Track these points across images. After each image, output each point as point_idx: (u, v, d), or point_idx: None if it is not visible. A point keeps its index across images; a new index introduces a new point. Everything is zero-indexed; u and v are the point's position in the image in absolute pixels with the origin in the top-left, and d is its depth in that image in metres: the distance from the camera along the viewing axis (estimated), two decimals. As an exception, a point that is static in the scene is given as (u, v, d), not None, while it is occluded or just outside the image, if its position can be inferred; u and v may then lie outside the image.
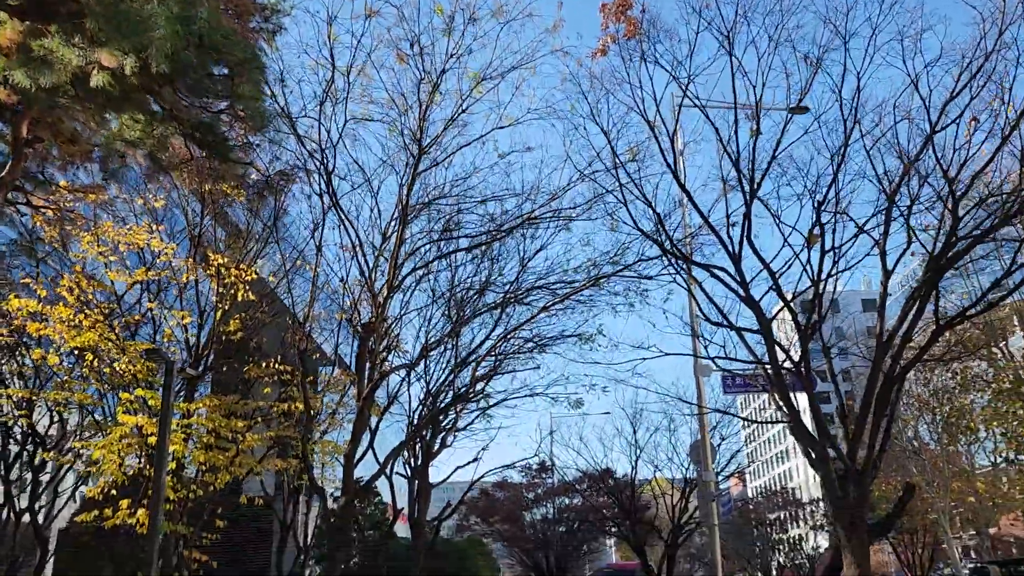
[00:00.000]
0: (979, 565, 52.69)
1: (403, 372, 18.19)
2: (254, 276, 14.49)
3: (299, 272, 15.17)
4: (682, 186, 10.32)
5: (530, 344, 17.18)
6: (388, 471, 18.97)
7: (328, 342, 19.07)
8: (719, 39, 10.07)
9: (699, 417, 17.59)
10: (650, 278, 13.66)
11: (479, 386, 17.53)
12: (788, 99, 9.85)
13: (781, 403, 10.25)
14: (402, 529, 28.03)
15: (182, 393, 15.26)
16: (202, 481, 14.67)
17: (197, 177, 12.84)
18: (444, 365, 19.28)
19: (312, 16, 20.19)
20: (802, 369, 9.66)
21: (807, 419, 11.31)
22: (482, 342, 16.23)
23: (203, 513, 14.94)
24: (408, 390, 20.04)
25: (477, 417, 21.00)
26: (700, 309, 10.30)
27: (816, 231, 9.83)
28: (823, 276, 9.60)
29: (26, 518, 17.10)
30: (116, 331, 14.50)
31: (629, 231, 12.40)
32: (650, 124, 10.46)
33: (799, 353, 10.61)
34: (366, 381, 12.92)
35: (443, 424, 20.19)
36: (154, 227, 15.39)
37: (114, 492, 15.69)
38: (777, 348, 10.19)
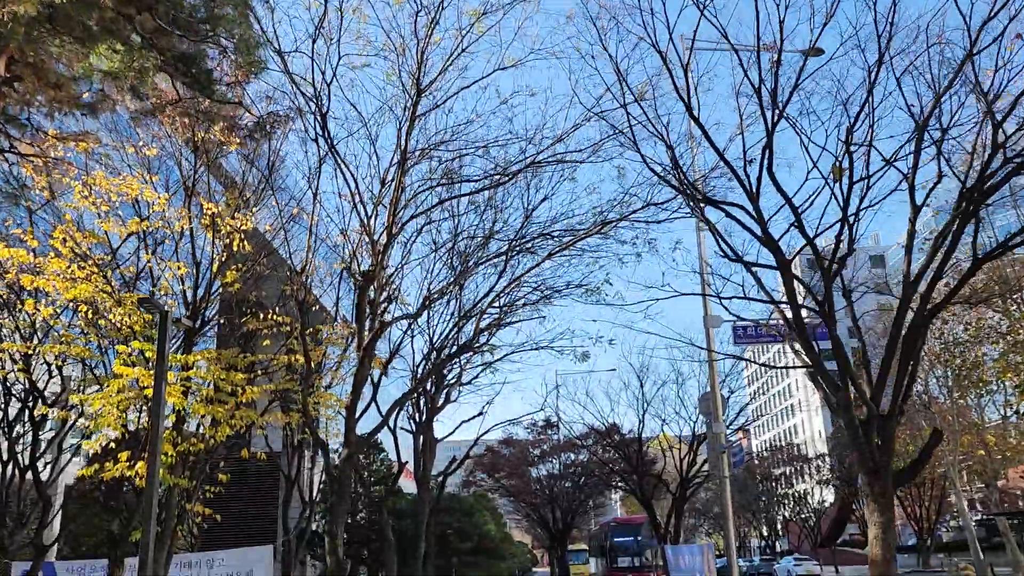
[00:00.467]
0: (987, 517, 52.88)
1: (405, 325, 17.84)
2: (250, 226, 14.00)
3: (297, 221, 14.68)
4: (696, 120, 9.75)
5: (536, 294, 16.74)
6: (392, 425, 18.74)
7: (328, 295, 18.67)
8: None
9: (709, 367, 17.20)
10: (659, 222, 13.14)
11: (483, 337, 17.13)
12: (812, 20, 9.17)
13: (800, 346, 9.79)
14: (409, 486, 27.97)
15: (180, 346, 14.92)
16: (203, 435, 14.40)
17: (186, 119, 12.27)
18: (448, 318, 18.93)
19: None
20: (826, 309, 9.16)
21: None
22: (487, 293, 15.80)
23: (205, 466, 14.70)
24: (412, 344, 19.75)
25: (482, 371, 20.70)
26: (720, 242, 9.79)
27: (841, 164, 9.26)
28: (849, 211, 9.03)
29: (30, 474, 16.96)
30: (112, 283, 14.11)
31: (636, 177, 11.83)
32: (662, 55, 9.85)
33: (802, 300, 10.14)
34: (366, 332, 12.49)
35: (447, 378, 19.89)
36: (147, 177, 14.88)
37: (112, 446, 15.47)
38: (797, 288, 9.67)
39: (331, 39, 12.09)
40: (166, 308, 13.76)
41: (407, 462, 18.66)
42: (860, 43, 9.17)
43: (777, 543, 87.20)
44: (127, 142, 14.95)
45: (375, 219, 13.16)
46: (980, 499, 62.84)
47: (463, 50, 12.63)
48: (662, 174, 10.79)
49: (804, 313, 11.09)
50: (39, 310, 13.55)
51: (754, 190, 9.63)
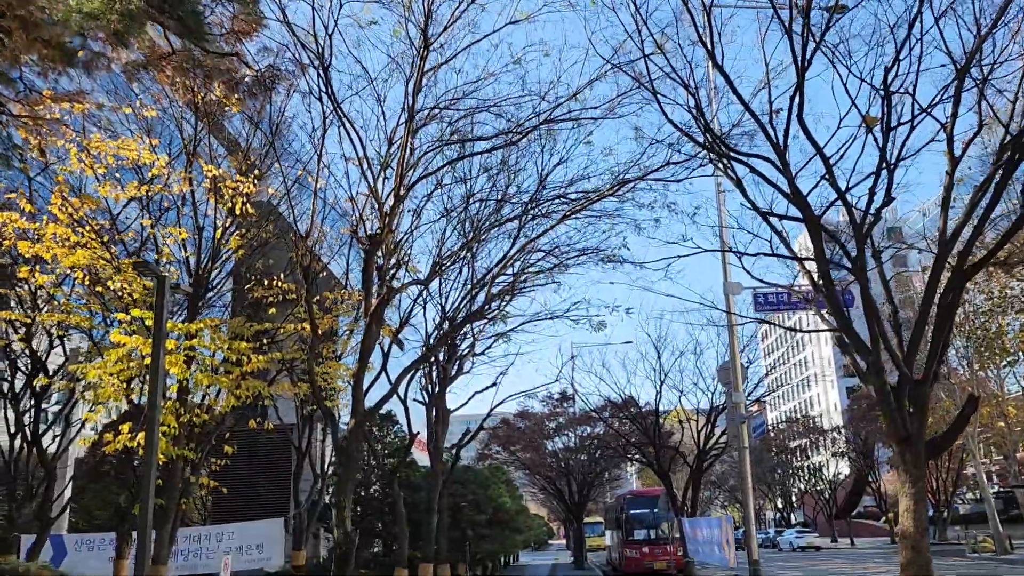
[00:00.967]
0: (1005, 490, 52.27)
1: (416, 291, 17.35)
2: (253, 189, 13.51)
3: (303, 184, 14.17)
4: (720, 68, 9.11)
5: (550, 260, 16.19)
6: (403, 395, 18.33)
7: (337, 263, 18.21)
8: None
9: (729, 335, 16.65)
10: (679, 180, 12.51)
11: (496, 304, 16.62)
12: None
13: (828, 307, 9.21)
14: (424, 459, 27.68)
15: (184, 314, 14.55)
16: (207, 406, 14.05)
17: (180, 74, 11.73)
18: (460, 287, 18.43)
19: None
20: (859, 264, 8.56)
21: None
22: (501, 258, 15.25)
23: (210, 438, 14.37)
24: (424, 314, 19.27)
25: (495, 342, 20.24)
26: (746, 197, 9.19)
27: (875, 113, 8.63)
28: (884, 162, 8.39)
29: (44, 445, 16.76)
30: (111, 250, 13.71)
31: (655, 133, 11.19)
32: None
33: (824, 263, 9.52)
34: (373, 297, 12.01)
35: (459, 348, 19.44)
36: (146, 139, 14.39)
37: (113, 418, 15.23)
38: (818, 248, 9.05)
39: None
40: (167, 275, 13.35)
41: (418, 433, 18.30)
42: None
43: (792, 515, 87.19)
44: (124, 103, 14.45)
45: (382, 181, 12.62)
46: (998, 471, 62.25)
47: (472, 0, 11.99)
48: (683, 128, 10.17)
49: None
50: (34, 276, 13.12)
51: (781, 142, 9.02)
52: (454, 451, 22.16)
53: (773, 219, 9.79)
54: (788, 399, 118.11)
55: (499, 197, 14.72)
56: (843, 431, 69.59)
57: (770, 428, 72.25)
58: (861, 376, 9.79)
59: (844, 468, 74.33)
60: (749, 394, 22.91)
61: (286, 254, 16.57)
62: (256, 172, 13.21)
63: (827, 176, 8.60)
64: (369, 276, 11.80)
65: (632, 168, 13.71)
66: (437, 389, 19.65)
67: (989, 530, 38.48)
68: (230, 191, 13.63)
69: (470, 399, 22.80)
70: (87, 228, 13.58)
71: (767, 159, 9.01)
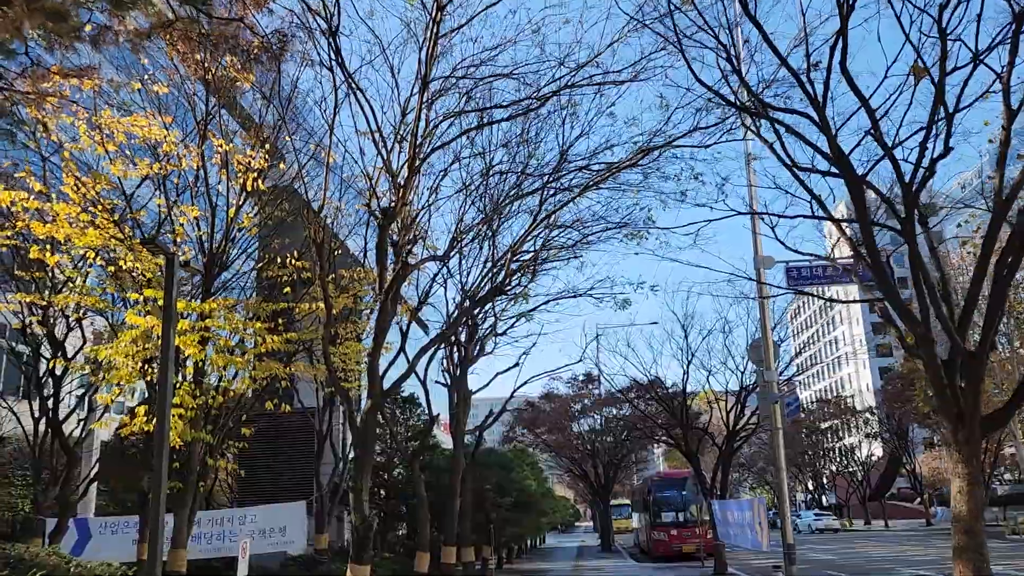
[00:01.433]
0: (1046, 471, 50.93)
1: (434, 270, 16.92)
2: (264, 164, 13.10)
3: (317, 158, 13.73)
4: (753, 19, 8.45)
5: (573, 235, 15.64)
6: (422, 376, 17.96)
7: (354, 241, 17.82)
8: None
9: (760, 310, 16.00)
10: (707, 147, 11.87)
11: (517, 279, 16.11)
12: None
13: (872, 276, 8.57)
14: (448, 442, 27.39)
15: (198, 294, 14.23)
16: (223, 387, 13.75)
17: (185, 43, 11.30)
18: (480, 265, 17.95)
19: None
20: (908, 228, 7.90)
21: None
22: (522, 233, 14.71)
23: (228, 420, 14.09)
24: (445, 294, 18.86)
25: (516, 321, 19.75)
26: (785, 154, 8.52)
27: (919, 67, 7.94)
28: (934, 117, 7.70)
29: (69, 429, 16.65)
30: (124, 230, 13.40)
31: (682, 98, 10.55)
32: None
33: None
34: (389, 273, 11.55)
35: (481, 328, 18.98)
36: (161, 118, 14.03)
37: (136, 401, 15.01)
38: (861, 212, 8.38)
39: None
40: (180, 254, 13.01)
41: (439, 414, 17.95)
42: None
43: (824, 497, 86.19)
44: (134, 78, 14.09)
45: (396, 153, 12.12)
46: (1038, 452, 60.78)
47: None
48: (713, 88, 9.54)
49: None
50: (46, 256, 12.84)
51: (820, 97, 8.36)
52: (477, 433, 21.77)
53: (810, 184, 9.15)
54: (819, 379, 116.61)
55: (519, 170, 14.18)
56: (876, 412, 68.40)
57: (801, 409, 71.15)
58: (908, 349, 9.15)
59: (877, 450, 73.16)
60: (780, 373, 22.21)
61: (303, 235, 16.21)
62: (268, 146, 12.77)
63: (872, 131, 7.94)
64: (383, 251, 11.34)
65: (656, 137, 13.09)
66: (459, 371, 19.23)
67: (1029, 511, 37.45)
68: (242, 167, 13.25)
69: (492, 380, 22.39)
70: (99, 208, 13.29)
71: (805, 115, 8.35)
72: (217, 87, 14.14)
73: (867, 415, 68.98)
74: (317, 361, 15.77)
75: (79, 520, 18.57)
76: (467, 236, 15.25)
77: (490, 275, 16.45)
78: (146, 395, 16.15)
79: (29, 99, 12.83)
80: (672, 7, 8.86)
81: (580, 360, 37.31)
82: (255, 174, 13.04)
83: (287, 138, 12.92)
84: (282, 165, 13.36)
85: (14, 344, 18.25)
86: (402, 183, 11.37)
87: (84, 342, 16.52)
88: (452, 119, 12.26)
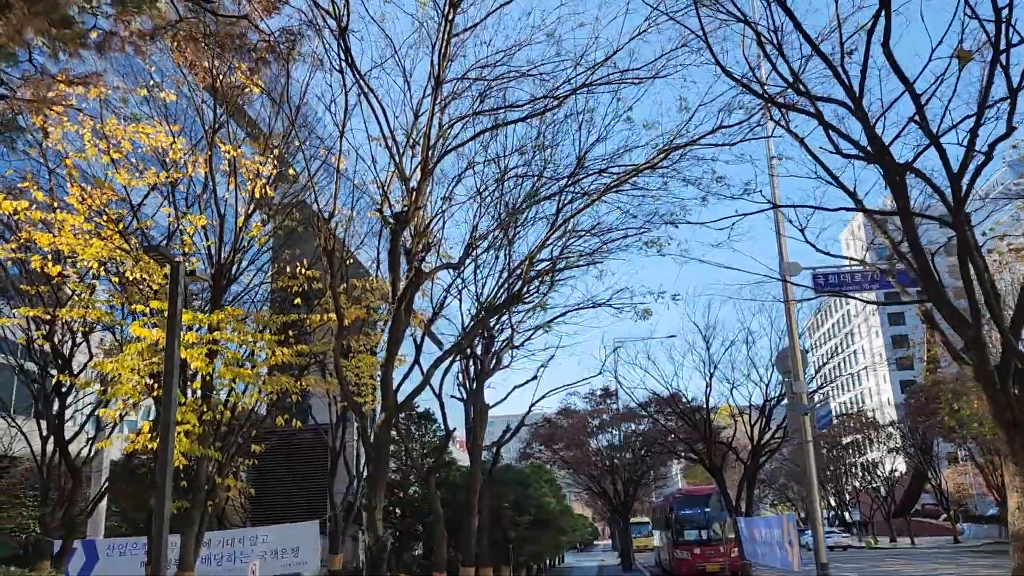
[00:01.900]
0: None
1: (448, 280, 16.45)
2: (273, 171, 12.71)
3: (327, 164, 13.33)
4: (783, 4, 7.96)
5: (592, 242, 15.14)
6: (437, 390, 17.46)
7: (367, 251, 17.41)
8: None
9: (787, 319, 15.39)
10: (732, 144, 11.33)
11: (533, 287, 15.61)
12: None
13: (915, 272, 7.99)
14: (465, 459, 26.82)
15: (202, 307, 13.84)
16: (231, 403, 13.30)
17: (190, 43, 10.93)
18: (496, 275, 17.47)
19: None
20: (961, 219, 7.32)
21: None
22: (541, 239, 14.20)
23: (236, 437, 13.63)
24: (460, 307, 18.36)
25: (534, 333, 19.23)
26: (830, 138, 7.96)
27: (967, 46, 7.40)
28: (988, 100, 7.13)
29: (72, 447, 16.24)
30: (129, 241, 13.03)
31: (706, 93, 10.02)
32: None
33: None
34: (401, 280, 11.08)
35: (497, 340, 18.47)
36: (165, 124, 13.70)
37: (131, 416, 14.56)
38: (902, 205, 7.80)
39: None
40: (180, 260, 12.62)
41: (455, 429, 17.42)
42: None
43: (847, 513, 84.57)
44: (140, 86, 13.79)
45: (408, 158, 11.69)
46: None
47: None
48: (742, 79, 9.03)
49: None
50: (47, 267, 12.47)
51: (857, 86, 7.83)
52: (494, 450, 21.20)
53: (842, 178, 8.60)
54: (839, 394, 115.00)
55: (536, 173, 13.72)
56: (900, 426, 67.05)
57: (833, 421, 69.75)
58: (955, 355, 8.54)
59: (900, 465, 71.69)
60: (810, 382, 21.52)
61: (315, 246, 15.81)
62: (276, 151, 12.39)
63: (916, 117, 7.38)
64: (396, 258, 10.88)
65: (678, 138, 12.59)
66: (475, 385, 18.71)
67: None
68: (250, 174, 12.88)
69: (509, 394, 21.90)
70: (104, 218, 12.94)
71: (843, 103, 7.81)
72: (225, 95, 13.82)
73: (890, 429, 67.62)
74: (330, 375, 15.29)
75: (87, 542, 18.13)
76: (482, 243, 14.79)
77: (506, 285, 15.96)
78: (152, 412, 15.77)
79: (32, 106, 12.53)
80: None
81: (600, 373, 36.73)
82: (263, 180, 12.66)
83: (296, 143, 12.51)
84: (291, 171, 12.95)
85: (23, 362, 17.90)
86: (415, 187, 10.91)
87: (91, 358, 16.13)
88: (465, 121, 11.81)
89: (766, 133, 11.63)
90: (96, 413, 18.33)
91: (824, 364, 34.67)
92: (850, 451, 74.12)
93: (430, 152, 11.07)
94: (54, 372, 16.29)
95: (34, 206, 12.12)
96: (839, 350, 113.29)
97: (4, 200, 11.80)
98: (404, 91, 11.78)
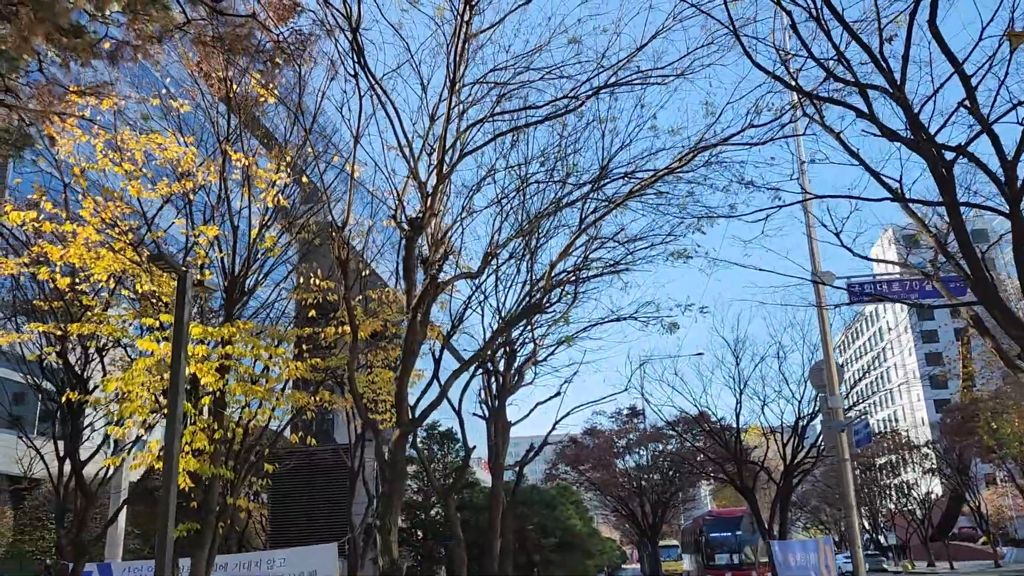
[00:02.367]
0: None
1: (467, 293, 15.98)
2: (286, 179, 12.36)
3: (341, 169, 12.97)
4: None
5: (617, 252, 14.62)
6: (457, 405, 16.93)
7: (386, 265, 17.00)
8: None
9: (822, 331, 14.71)
10: (763, 143, 10.76)
11: (556, 295, 15.09)
12: None
13: (965, 277, 7.36)
14: (489, 480, 26.23)
15: (218, 322, 13.47)
16: (246, 420, 12.87)
17: (199, 47, 10.65)
18: (518, 287, 16.98)
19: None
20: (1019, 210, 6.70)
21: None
22: (564, 246, 13.71)
23: (249, 455, 13.18)
24: (482, 322, 17.89)
25: (557, 348, 18.67)
26: (874, 119, 7.37)
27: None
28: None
29: (90, 468, 15.91)
30: (142, 254, 12.73)
31: (733, 91, 9.50)
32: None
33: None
34: (417, 288, 10.63)
35: (519, 355, 17.93)
36: (178, 135, 13.44)
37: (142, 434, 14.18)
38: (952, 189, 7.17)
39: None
40: (198, 276, 12.29)
41: (475, 447, 16.87)
42: None
43: (882, 537, 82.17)
44: (152, 95, 13.56)
45: (424, 162, 11.28)
46: None
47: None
48: (774, 73, 8.51)
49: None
50: (57, 280, 12.17)
51: (898, 72, 7.27)
52: (517, 469, 20.58)
53: (882, 175, 8.00)
54: (874, 411, 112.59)
55: (559, 178, 13.26)
56: (935, 446, 65.13)
57: (873, 438, 67.79)
58: (1008, 363, 7.88)
59: (936, 487, 69.63)
60: (846, 396, 20.69)
61: (332, 257, 15.45)
62: (289, 158, 12.05)
63: (966, 102, 6.79)
64: (411, 265, 10.44)
65: (704, 141, 12.06)
66: (496, 402, 18.16)
67: None
68: (264, 183, 12.55)
69: (532, 410, 21.33)
70: (116, 231, 12.66)
71: (885, 89, 7.25)
72: (239, 105, 13.54)
73: (926, 449, 65.70)
74: (347, 391, 14.85)
75: (103, 565, 17.80)
76: (502, 251, 14.32)
77: (528, 297, 15.46)
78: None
79: (39, 116, 12.31)
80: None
81: (626, 389, 35.97)
82: (276, 190, 12.32)
83: (310, 151, 12.16)
84: (305, 179, 12.60)
85: (39, 381, 17.66)
86: (430, 192, 10.48)
87: (104, 375, 15.82)
88: (483, 123, 11.38)
89: (797, 131, 11.06)
90: (106, 432, 18.04)
91: (859, 380, 33.52)
92: (884, 472, 72.12)
93: (446, 154, 10.64)
94: (68, 390, 16.01)
95: (42, 216, 11.85)
96: (872, 367, 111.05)
97: (12, 212, 11.54)
98: (421, 97, 11.35)
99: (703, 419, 27.11)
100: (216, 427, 12.25)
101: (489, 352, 16.65)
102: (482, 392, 19.21)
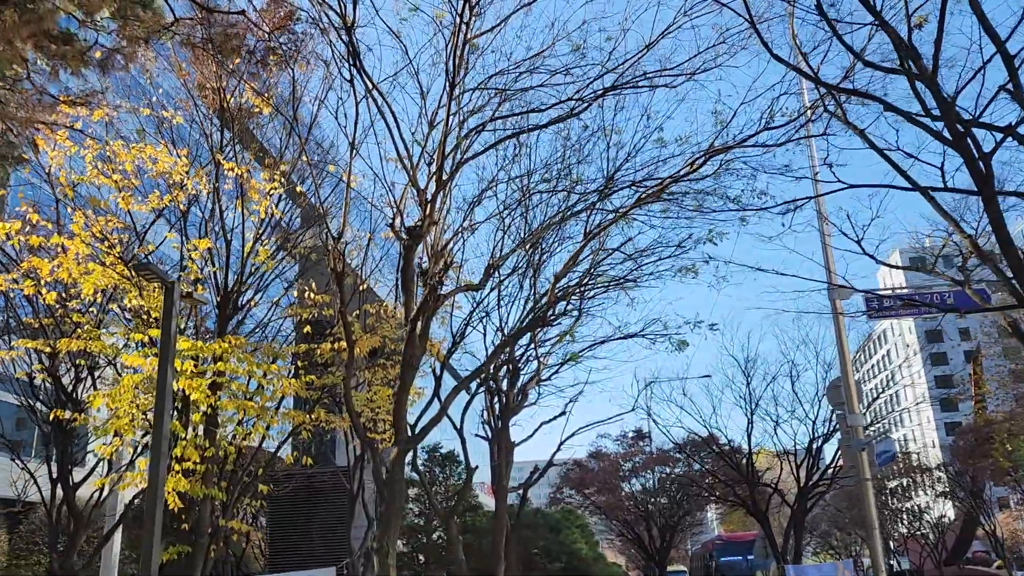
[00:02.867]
0: None
1: (468, 308, 15.51)
2: (280, 189, 11.95)
3: (340, 180, 12.57)
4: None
5: (624, 266, 14.14)
6: (459, 424, 16.40)
7: (384, 284, 16.56)
8: None
9: (839, 346, 14.17)
10: (778, 145, 10.29)
11: (563, 309, 14.61)
12: None
13: (1000, 275, 6.85)
14: (492, 504, 25.57)
15: (212, 334, 13.00)
16: (238, 439, 12.35)
17: (189, 50, 10.29)
18: (521, 304, 16.49)
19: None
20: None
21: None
22: (569, 257, 13.24)
23: (242, 476, 12.65)
24: (484, 341, 17.38)
25: (562, 367, 18.14)
26: (919, 99, 6.88)
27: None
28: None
29: (85, 491, 15.38)
30: (130, 269, 12.29)
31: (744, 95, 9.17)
32: None
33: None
34: (416, 300, 10.15)
35: (523, 373, 17.40)
36: (168, 146, 13.06)
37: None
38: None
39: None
40: (187, 288, 11.82)
41: (477, 467, 16.28)
42: None
43: (895, 561, 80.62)
44: (144, 105, 13.21)
45: (423, 170, 10.85)
46: None
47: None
48: (796, 66, 8.07)
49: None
50: (42, 294, 11.73)
51: (928, 63, 6.82)
52: (521, 492, 19.96)
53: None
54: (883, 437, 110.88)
55: (563, 188, 12.81)
56: (947, 469, 63.99)
57: (896, 458, 66.60)
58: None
59: (949, 510, 68.40)
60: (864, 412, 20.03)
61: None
62: (283, 167, 11.64)
63: (1010, 86, 6.31)
64: (409, 275, 9.97)
65: (718, 141, 11.59)
66: (500, 422, 17.60)
67: None
68: (257, 194, 12.14)
69: (537, 430, 20.72)
70: (106, 244, 12.23)
71: (914, 74, 6.77)
72: (232, 116, 13.18)
73: (938, 473, 64.57)
74: (345, 411, 14.34)
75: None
76: (504, 265, 13.86)
77: (531, 312, 14.97)
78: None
79: (25, 125, 11.94)
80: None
81: (633, 409, 35.36)
82: (268, 200, 11.91)
83: (304, 159, 11.75)
84: (299, 189, 12.19)
85: (32, 401, 17.17)
86: (428, 199, 10.03)
87: (95, 392, 15.33)
88: (484, 128, 10.95)
89: (816, 132, 10.57)
90: (94, 451, 17.47)
91: (875, 399, 32.77)
92: (896, 496, 70.90)
93: (445, 162, 10.21)
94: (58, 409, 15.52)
95: (28, 230, 11.44)
96: (884, 389, 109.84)
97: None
98: (420, 106, 10.94)
99: (712, 441, 26.44)
100: (208, 445, 11.75)
101: (492, 370, 16.12)
102: (485, 412, 18.67)
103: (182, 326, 14.13)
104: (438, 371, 15.06)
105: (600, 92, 10.40)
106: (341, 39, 9.63)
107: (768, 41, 8.28)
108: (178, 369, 10.85)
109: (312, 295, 12.22)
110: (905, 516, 70.36)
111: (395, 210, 10.39)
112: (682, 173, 11.08)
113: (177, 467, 10.91)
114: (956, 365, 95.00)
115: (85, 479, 16.09)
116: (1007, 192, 6.97)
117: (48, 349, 13.69)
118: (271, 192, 12.02)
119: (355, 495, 18.80)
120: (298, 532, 24.71)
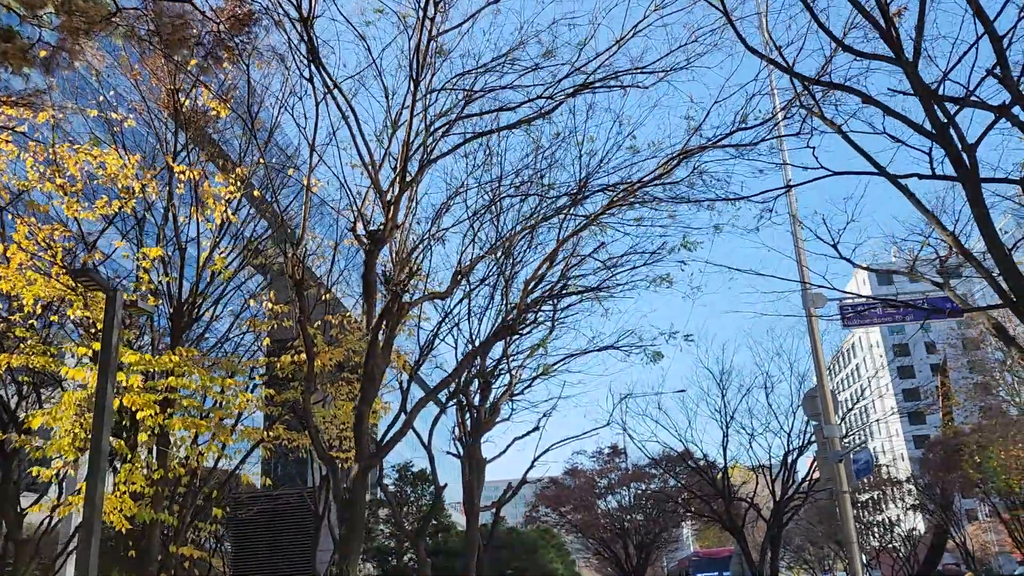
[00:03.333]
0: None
1: (437, 317, 14.97)
2: (236, 193, 11.36)
3: (303, 188, 12.00)
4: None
5: (596, 276, 13.73)
6: (427, 440, 15.79)
7: (350, 297, 15.97)
8: None
9: (814, 355, 13.84)
10: (754, 145, 9.93)
11: (534, 317, 14.13)
12: None
13: (999, 269, 6.50)
14: (463, 522, 24.89)
15: (162, 347, 12.32)
16: (190, 459, 11.64)
17: (133, 42, 9.71)
18: (492, 317, 15.99)
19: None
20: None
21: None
22: (541, 261, 12.79)
23: (194, 499, 11.93)
24: (456, 354, 16.82)
25: (535, 381, 17.63)
26: (885, 110, 6.51)
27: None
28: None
29: (36, 517, 14.51)
30: (75, 280, 11.58)
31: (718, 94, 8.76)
32: None
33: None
34: (377, 307, 9.60)
35: (494, 388, 16.86)
36: (117, 150, 12.41)
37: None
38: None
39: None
40: (118, 288, 11.12)
41: (446, 485, 15.68)
42: None
43: (868, 574, 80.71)
44: (91, 106, 12.56)
45: (386, 169, 10.35)
46: None
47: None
48: (772, 59, 7.72)
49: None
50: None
51: (913, 43, 6.47)
52: (494, 510, 19.34)
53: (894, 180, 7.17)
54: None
55: (535, 191, 12.38)
56: (917, 482, 64.31)
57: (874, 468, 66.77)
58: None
59: (920, 523, 68.72)
60: (841, 418, 19.77)
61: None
62: (239, 171, 11.06)
63: (997, 69, 5.99)
64: (371, 280, 9.43)
65: (691, 142, 11.23)
66: (471, 439, 17.02)
67: None
68: (210, 197, 11.53)
69: (509, 446, 20.18)
70: (50, 253, 11.53)
71: (891, 59, 6.43)
72: (187, 119, 12.58)
73: (909, 486, 64.89)
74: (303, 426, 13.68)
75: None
76: (473, 272, 13.36)
77: (503, 322, 14.47)
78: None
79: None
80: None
81: (608, 424, 34.85)
82: (223, 205, 11.31)
83: (261, 161, 11.19)
84: (257, 192, 11.60)
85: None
86: (391, 200, 9.52)
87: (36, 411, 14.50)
88: (451, 127, 10.48)
89: (791, 131, 10.25)
90: (32, 473, 16.58)
91: (850, 410, 32.70)
92: (867, 510, 71.09)
93: (409, 162, 9.72)
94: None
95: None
96: (855, 402, 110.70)
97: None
98: (384, 107, 10.43)
99: (688, 456, 26.05)
100: (157, 467, 11.06)
101: (462, 383, 15.57)
102: (456, 428, 18.08)
103: (135, 340, 13.45)
104: (405, 384, 14.50)
105: (571, 91, 10.00)
106: (297, 31, 9.11)
107: (742, 33, 7.95)
108: (124, 384, 10.18)
109: (271, 305, 11.61)
110: (876, 529, 70.60)
111: (356, 213, 9.85)
112: (655, 176, 10.69)
113: (123, 488, 10.22)
114: (924, 378, 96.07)
115: (32, 504, 15.22)
116: (993, 179, 6.60)
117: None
118: (229, 198, 11.42)
119: (321, 516, 18.07)
120: (262, 556, 23.80)
